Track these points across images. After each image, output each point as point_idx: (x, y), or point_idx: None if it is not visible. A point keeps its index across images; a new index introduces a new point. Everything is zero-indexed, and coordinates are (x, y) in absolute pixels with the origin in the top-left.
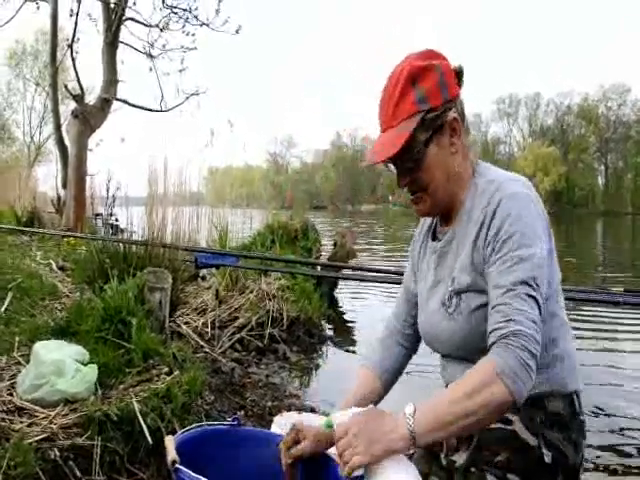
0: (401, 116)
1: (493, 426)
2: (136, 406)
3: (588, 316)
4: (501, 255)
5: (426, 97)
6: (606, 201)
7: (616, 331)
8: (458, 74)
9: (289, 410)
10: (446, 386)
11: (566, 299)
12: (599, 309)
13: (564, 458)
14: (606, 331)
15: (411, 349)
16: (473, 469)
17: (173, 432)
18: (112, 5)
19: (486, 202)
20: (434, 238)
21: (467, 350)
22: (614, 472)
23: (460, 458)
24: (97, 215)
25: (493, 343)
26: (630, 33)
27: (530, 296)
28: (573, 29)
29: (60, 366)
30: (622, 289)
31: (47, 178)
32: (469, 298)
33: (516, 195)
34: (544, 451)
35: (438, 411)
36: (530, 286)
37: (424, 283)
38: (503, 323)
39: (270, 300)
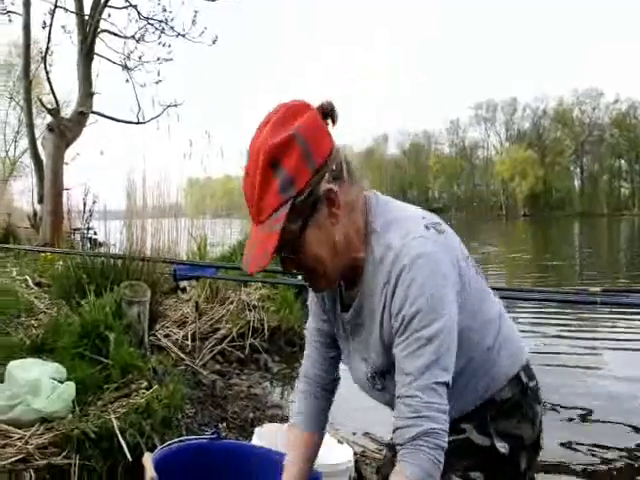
0: (267, 212)
1: (448, 438)
2: (115, 423)
3: (568, 317)
4: (405, 337)
5: (291, 180)
6: (582, 203)
7: (595, 331)
8: (327, 115)
9: (271, 421)
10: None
11: (545, 300)
12: (578, 309)
13: (520, 440)
14: (585, 331)
15: (334, 386)
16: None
17: (153, 447)
18: (86, 17)
19: (385, 278)
20: (342, 306)
21: None
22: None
23: None
24: (75, 230)
25: (402, 444)
26: (603, 38)
27: (438, 383)
28: (548, 35)
29: (36, 385)
30: (600, 289)
31: (23, 193)
32: (394, 375)
33: (415, 262)
34: (498, 444)
35: None
36: (438, 368)
37: (341, 340)
38: (412, 420)
39: (251, 310)
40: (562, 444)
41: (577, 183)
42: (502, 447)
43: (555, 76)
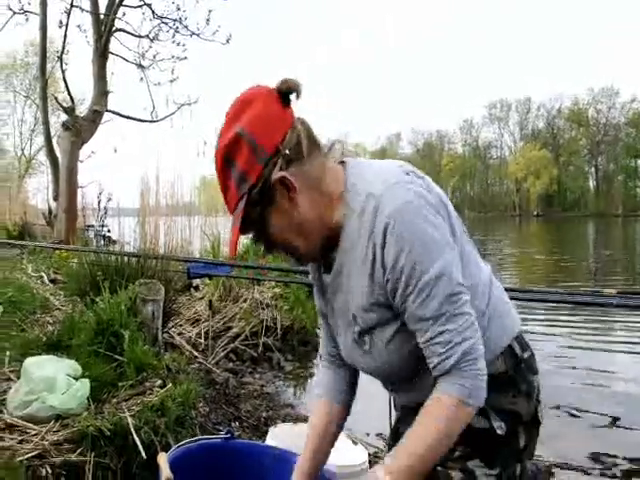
0: (231, 205)
1: None
2: (129, 420)
3: (581, 320)
4: (412, 289)
5: (243, 176)
6: (597, 203)
7: (609, 334)
8: (286, 95)
9: (284, 421)
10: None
11: (559, 302)
12: (593, 312)
13: (517, 417)
14: (599, 334)
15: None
16: (439, 468)
17: (167, 446)
18: (102, 16)
19: (369, 229)
20: (325, 267)
21: (390, 374)
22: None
23: None
24: (89, 227)
25: (446, 372)
26: (618, 37)
27: (461, 305)
28: (563, 34)
29: (51, 382)
30: (615, 291)
31: (38, 190)
32: (381, 332)
33: (401, 211)
34: (495, 424)
35: (416, 468)
36: (454, 301)
37: (329, 312)
38: (447, 351)
39: (264, 309)
40: (591, 453)
41: (591, 183)
42: (499, 428)
43: (570, 75)
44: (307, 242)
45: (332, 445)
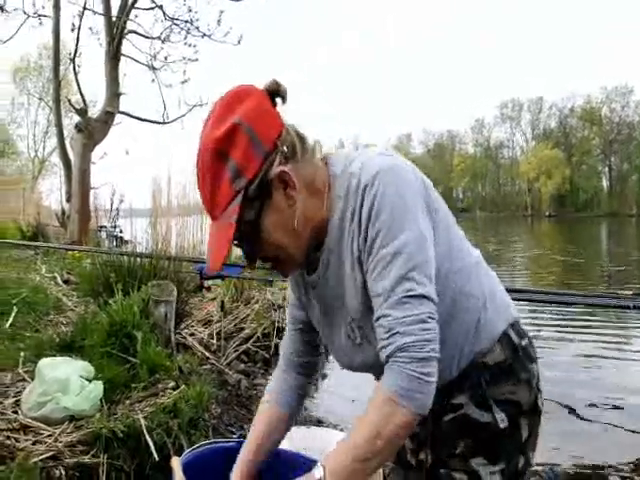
0: (221, 206)
1: (445, 418)
2: (142, 422)
3: (597, 321)
4: (372, 258)
5: (241, 170)
6: (611, 203)
7: (625, 336)
8: (275, 95)
9: (296, 423)
10: None
11: (574, 304)
12: (610, 314)
13: (518, 407)
14: (615, 335)
15: (311, 371)
16: (442, 470)
17: (180, 448)
18: (114, 19)
19: (352, 204)
20: (308, 270)
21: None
22: None
23: (428, 457)
24: (101, 227)
25: (386, 362)
26: (632, 35)
27: (411, 296)
28: (574, 33)
29: (65, 383)
30: (631, 292)
31: (51, 191)
32: (372, 322)
33: (376, 177)
34: (498, 417)
35: (349, 468)
36: (409, 281)
37: (315, 317)
38: (387, 340)
39: (275, 310)
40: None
41: (605, 183)
42: (502, 421)
43: (582, 73)
44: (298, 244)
45: (271, 451)
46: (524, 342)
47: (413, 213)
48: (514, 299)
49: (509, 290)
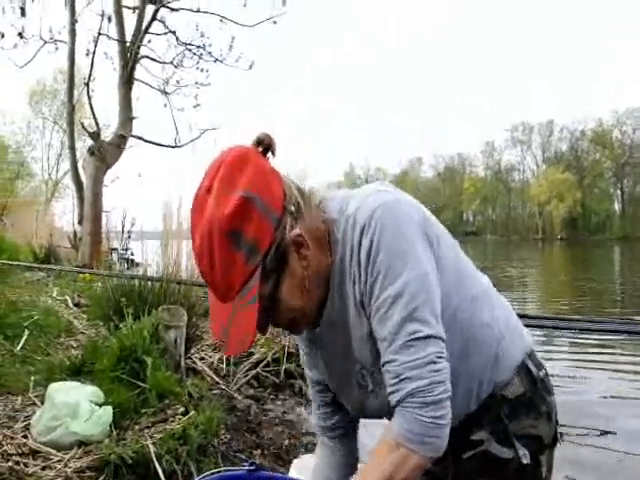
0: (235, 288)
1: (464, 455)
2: (151, 448)
3: (610, 346)
4: (374, 302)
5: (255, 246)
6: (623, 227)
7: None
8: (267, 150)
9: (306, 449)
10: None
11: (588, 330)
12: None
13: (539, 442)
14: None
15: (339, 432)
16: None
17: (189, 475)
18: (128, 44)
19: (350, 248)
20: (314, 325)
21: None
22: None
23: None
24: (112, 249)
25: (395, 408)
26: None
27: (416, 338)
28: (585, 56)
29: (75, 408)
30: None
31: (64, 214)
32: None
33: (372, 217)
34: (520, 453)
35: None
36: (413, 322)
37: (322, 369)
38: (396, 385)
39: (285, 335)
40: None
41: (617, 206)
42: (524, 456)
43: (593, 97)
44: (313, 301)
45: None
46: (542, 374)
47: (412, 250)
48: (525, 325)
49: (520, 316)
